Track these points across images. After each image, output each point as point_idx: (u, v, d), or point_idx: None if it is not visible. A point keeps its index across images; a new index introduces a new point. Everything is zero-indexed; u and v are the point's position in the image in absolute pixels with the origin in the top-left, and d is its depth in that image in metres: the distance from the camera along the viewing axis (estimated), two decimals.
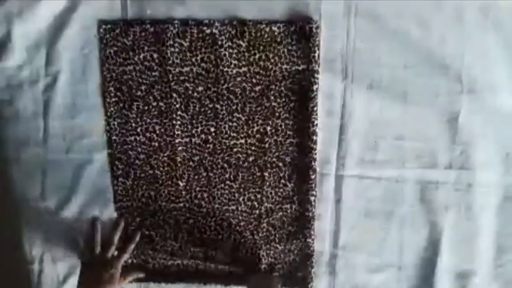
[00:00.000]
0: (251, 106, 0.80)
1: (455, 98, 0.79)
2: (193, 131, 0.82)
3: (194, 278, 0.90)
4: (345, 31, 0.77)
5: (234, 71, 0.79)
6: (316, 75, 0.78)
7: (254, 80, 0.79)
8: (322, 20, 0.77)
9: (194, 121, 0.81)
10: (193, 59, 0.78)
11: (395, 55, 0.78)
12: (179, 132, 0.82)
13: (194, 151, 0.83)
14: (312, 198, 0.82)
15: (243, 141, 0.82)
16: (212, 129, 0.81)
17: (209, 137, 0.82)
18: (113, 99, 0.81)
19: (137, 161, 0.83)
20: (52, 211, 0.86)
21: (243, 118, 0.81)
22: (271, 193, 0.84)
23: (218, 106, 0.80)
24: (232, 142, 0.82)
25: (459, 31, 0.76)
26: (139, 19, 0.78)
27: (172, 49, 0.78)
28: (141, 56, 0.79)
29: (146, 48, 0.78)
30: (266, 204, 0.84)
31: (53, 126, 0.83)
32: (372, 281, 0.87)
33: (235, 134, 0.81)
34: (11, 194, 0.86)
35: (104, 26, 0.78)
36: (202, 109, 0.81)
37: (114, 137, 0.83)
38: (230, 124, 0.81)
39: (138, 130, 0.82)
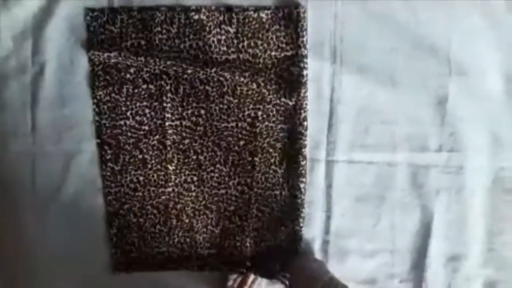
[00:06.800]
0: (241, 89, 0.80)
1: (443, 81, 0.80)
2: (184, 114, 0.81)
3: (179, 265, 0.86)
4: (333, 15, 0.78)
5: (223, 58, 0.78)
6: (305, 60, 0.78)
7: (243, 67, 0.79)
8: (309, 4, 0.77)
9: (184, 104, 0.81)
10: (181, 46, 0.78)
11: (383, 38, 0.79)
12: (170, 115, 0.81)
13: (184, 134, 0.82)
14: (302, 185, 0.82)
15: (234, 124, 0.81)
16: (203, 112, 0.81)
17: (200, 119, 0.81)
18: (102, 83, 0.80)
19: (126, 146, 0.82)
20: (42, 201, 0.85)
21: (234, 101, 0.80)
22: (261, 178, 0.83)
23: (209, 88, 0.80)
24: (223, 125, 0.81)
25: (447, 14, 0.77)
26: (126, 6, 0.78)
27: (160, 35, 0.78)
28: (128, 43, 0.78)
29: (133, 35, 0.78)
30: (256, 189, 0.83)
31: (42, 116, 0.82)
32: (364, 266, 0.86)
33: (226, 117, 0.81)
34: (1, 185, 0.85)
35: (91, 14, 0.78)
36: (193, 91, 0.80)
37: (103, 121, 0.82)
38: (221, 106, 0.81)
39: (128, 113, 0.81)
